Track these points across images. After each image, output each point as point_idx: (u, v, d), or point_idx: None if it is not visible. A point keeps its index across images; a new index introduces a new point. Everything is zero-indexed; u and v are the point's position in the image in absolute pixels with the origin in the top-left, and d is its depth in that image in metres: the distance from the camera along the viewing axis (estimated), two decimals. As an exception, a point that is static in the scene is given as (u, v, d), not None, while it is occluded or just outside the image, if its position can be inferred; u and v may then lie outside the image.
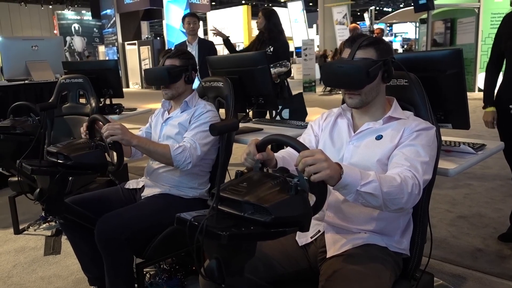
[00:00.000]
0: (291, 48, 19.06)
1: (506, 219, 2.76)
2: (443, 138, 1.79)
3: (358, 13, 27.15)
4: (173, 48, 2.91)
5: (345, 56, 1.43)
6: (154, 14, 17.94)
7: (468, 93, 1.72)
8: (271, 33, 3.95)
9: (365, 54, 1.39)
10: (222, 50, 15.25)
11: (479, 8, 9.83)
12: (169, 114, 2.15)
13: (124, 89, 3.48)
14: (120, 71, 3.41)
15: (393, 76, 1.46)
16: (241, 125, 2.46)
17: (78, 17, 20.53)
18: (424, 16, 10.61)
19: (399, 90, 1.54)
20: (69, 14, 20.60)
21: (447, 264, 2.42)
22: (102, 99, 3.38)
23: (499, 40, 2.52)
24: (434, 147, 1.38)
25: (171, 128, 2.08)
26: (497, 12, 9.71)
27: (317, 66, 13.00)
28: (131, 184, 2.16)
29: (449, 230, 2.88)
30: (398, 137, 1.37)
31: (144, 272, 2.09)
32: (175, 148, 1.91)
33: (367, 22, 19.65)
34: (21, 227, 3.14)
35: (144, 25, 19.58)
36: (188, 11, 15.02)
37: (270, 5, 22.35)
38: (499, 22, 2.55)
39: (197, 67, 2.19)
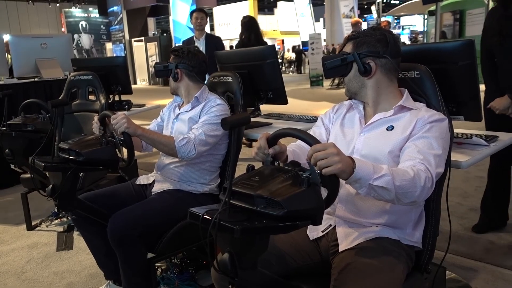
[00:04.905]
0: (297, 42, 18.95)
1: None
2: (454, 130, 1.77)
3: (365, 6, 26.88)
4: (181, 44, 2.91)
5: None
6: (161, 10, 17.95)
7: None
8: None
9: (346, 48, 1.49)
10: (229, 45, 15.23)
11: (488, -2, 9.69)
12: (179, 109, 2.15)
13: (132, 86, 3.50)
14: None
15: (396, 69, 1.46)
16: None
17: (85, 15, 20.60)
18: (433, 8, 10.49)
19: (411, 82, 1.53)
20: (76, 11, 20.69)
21: (459, 257, 2.41)
22: (111, 96, 3.40)
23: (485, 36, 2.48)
24: (447, 139, 1.37)
25: (182, 124, 2.09)
26: (507, 3, 9.53)
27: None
28: (142, 180, 2.17)
29: (461, 223, 2.86)
30: (410, 128, 1.36)
31: (156, 267, 2.11)
32: (179, 140, 1.91)
33: (375, 14, 19.50)
34: (33, 223, 3.18)
35: (151, 22, 19.59)
36: (194, 6, 15.01)
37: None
38: None
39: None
